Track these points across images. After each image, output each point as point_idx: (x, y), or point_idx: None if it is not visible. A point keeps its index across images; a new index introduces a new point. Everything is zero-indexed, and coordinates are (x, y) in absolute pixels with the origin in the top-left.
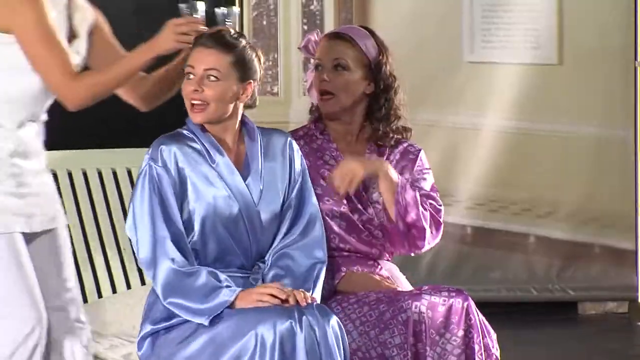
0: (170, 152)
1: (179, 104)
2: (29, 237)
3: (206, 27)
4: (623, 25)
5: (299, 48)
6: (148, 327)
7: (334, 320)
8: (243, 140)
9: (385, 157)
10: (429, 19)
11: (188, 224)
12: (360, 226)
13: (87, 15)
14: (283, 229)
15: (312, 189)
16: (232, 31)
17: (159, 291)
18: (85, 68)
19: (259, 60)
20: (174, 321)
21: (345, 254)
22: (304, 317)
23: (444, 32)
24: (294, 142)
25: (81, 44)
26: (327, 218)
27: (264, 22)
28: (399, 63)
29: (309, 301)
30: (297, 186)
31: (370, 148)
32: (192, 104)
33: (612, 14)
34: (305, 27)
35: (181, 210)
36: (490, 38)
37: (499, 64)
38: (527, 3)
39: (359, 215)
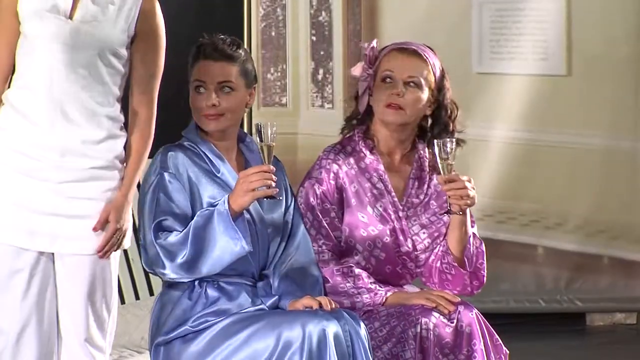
0: (178, 159)
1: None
2: None
3: None
4: (632, 35)
5: (364, 54)
6: (161, 337)
7: (362, 325)
8: (240, 149)
9: (425, 185)
10: (438, 30)
11: None
12: (396, 258)
13: None
14: (283, 242)
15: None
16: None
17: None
18: None
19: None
20: (183, 329)
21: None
22: (336, 318)
23: (452, 43)
24: None
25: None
26: (367, 249)
27: (273, 33)
28: None
29: (334, 306)
30: (294, 201)
31: (415, 174)
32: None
33: (621, 24)
34: (314, 38)
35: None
36: (499, 49)
37: (507, 75)
38: (535, 14)
39: (398, 247)
